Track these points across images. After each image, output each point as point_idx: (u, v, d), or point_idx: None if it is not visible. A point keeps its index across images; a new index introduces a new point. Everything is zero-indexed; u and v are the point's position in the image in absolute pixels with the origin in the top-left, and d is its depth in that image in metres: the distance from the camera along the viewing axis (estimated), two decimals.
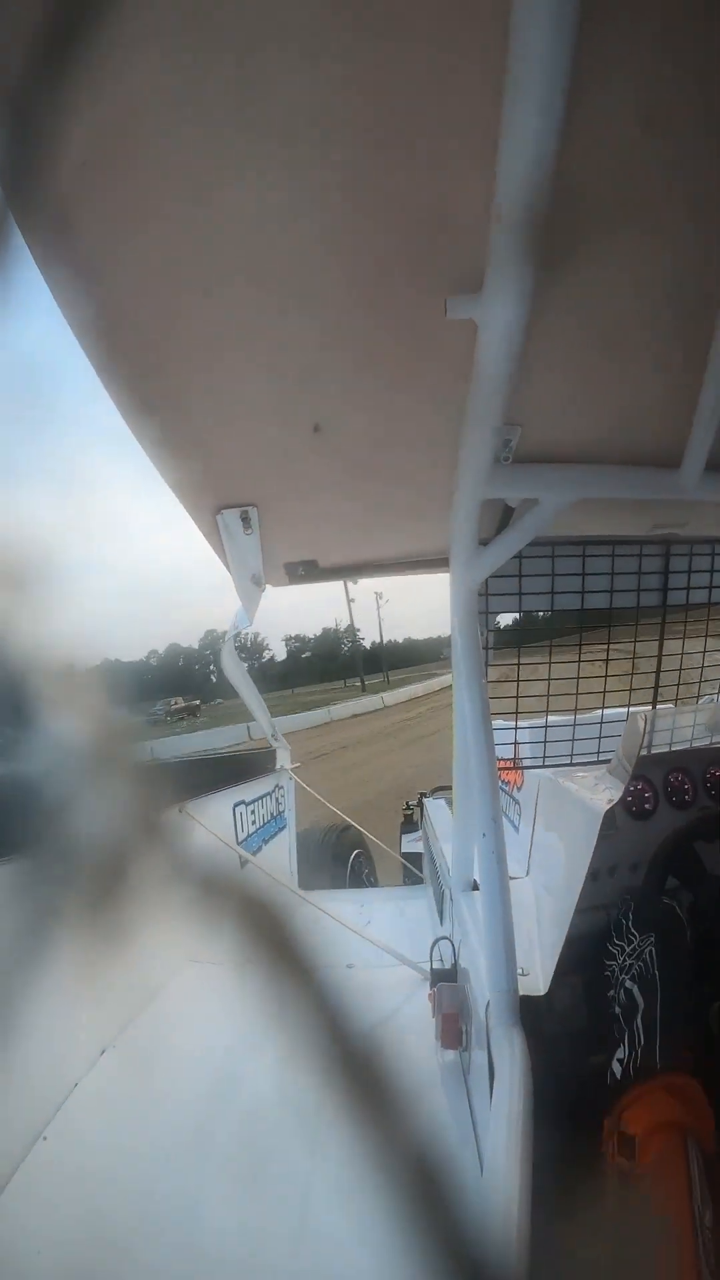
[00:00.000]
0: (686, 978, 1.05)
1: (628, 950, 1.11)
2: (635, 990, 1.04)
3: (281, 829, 3.03)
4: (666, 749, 1.60)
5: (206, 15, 0.53)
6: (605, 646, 1.76)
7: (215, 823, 2.26)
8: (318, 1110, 1.09)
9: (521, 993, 1.06)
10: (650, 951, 1.07)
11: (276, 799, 3.01)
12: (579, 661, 1.76)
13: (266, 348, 0.89)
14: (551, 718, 1.74)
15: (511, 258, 0.69)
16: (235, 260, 0.75)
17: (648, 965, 1.06)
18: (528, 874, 1.60)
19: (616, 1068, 1.00)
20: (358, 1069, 0.25)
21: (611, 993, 1.10)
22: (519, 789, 1.86)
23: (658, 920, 1.13)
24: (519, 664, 1.70)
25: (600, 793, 1.30)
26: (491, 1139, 0.87)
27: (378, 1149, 0.24)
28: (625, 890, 1.30)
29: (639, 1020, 1.00)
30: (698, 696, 1.82)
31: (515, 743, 1.79)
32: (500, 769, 1.59)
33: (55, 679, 0.24)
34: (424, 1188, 0.24)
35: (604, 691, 1.75)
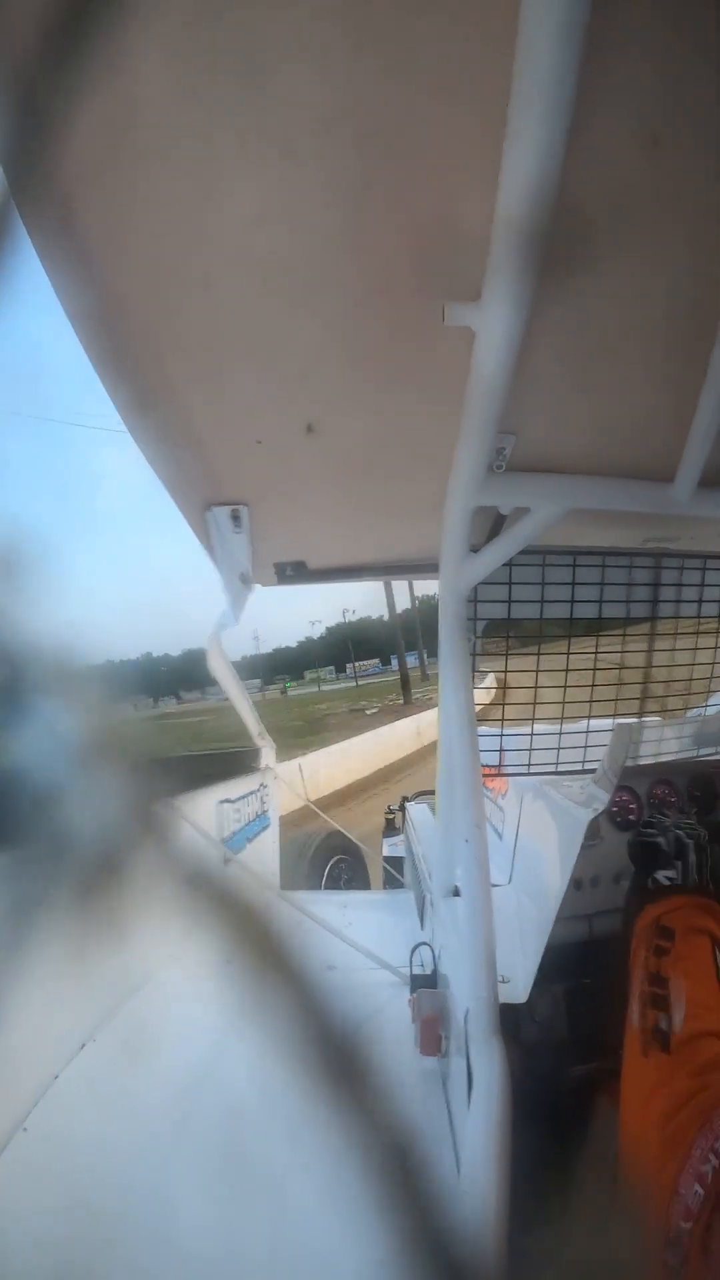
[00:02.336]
0: None
1: (683, 818, 1.20)
2: (689, 844, 1.13)
3: (265, 828, 3.02)
4: (652, 761, 1.61)
5: (214, 13, 0.53)
6: (593, 656, 1.76)
7: (200, 819, 2.25)
8: (298, 1106, 1.09)
9: (502, 1000, 1.06)
10: (703, 832, 1.16)
11: (261, 798, 3.00)
12: (566, 670, 1.76)
13: (263, 346, 0.89)
14: (537, 726, 1.74)
15: (511, 268, 0.69)
16: (235, 258, 0.75)
17: (699, 834, 1.15)
18: (510, 881, 1.60)
19: (663, 879, 1.10)
20: (338, 1066, 0.25)
21: (654, 830, 1.19)
22: (503, 796, 1.86)
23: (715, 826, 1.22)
24: (506, 671, 1.70)
25: (585, 802, 1.30)
26: (469, 1143, 0.87)
27: (356, 1145, 0.24)
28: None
29: (692, 856, 1.11)
30: (684, 709, 1.83)
31: (500, 750, 1.79)
32: (484, 776, 1.59)
33: (49, 670, 0.24)
34: (402, 1185, 0.24)
35: (591, 701, 1.76)
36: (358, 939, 1.93)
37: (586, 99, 0.57)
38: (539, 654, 1.76)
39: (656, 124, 0.63)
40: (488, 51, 0.56)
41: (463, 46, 0.57)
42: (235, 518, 1.32)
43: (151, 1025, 1.64)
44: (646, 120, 0.62)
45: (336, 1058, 0.25)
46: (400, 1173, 0.25)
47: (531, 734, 1.74)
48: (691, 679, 1.80)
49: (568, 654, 1.79)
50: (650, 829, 1.21)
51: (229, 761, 2.82)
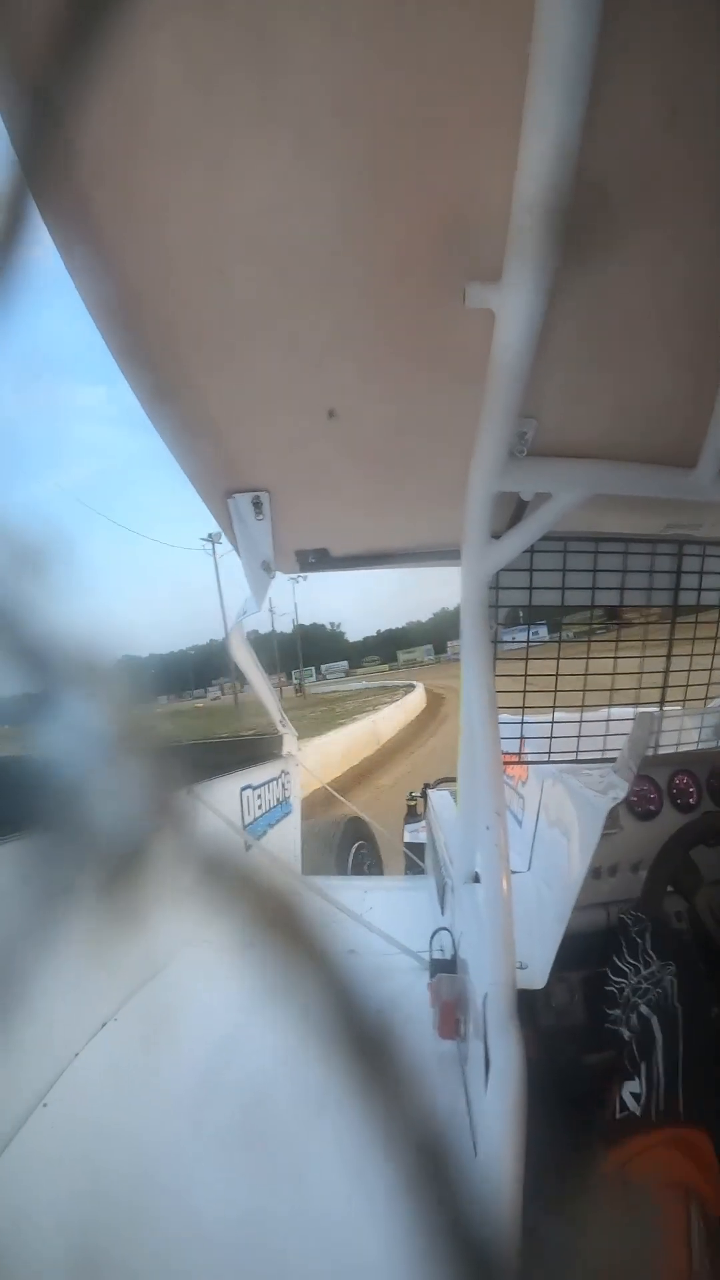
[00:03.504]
0: (710, 1020, 0.99)
1: (644, 974, 1.04)
2: (653, 1021, 0.97)
3: (287, 814, 3.04)
4: (673, 750, 1.60)
5: (224, 2, 0.53)
6: (615, 644, 1.75)
7: (223, 806, 2.28)
8: (317, 1087, 1.10)
9: (520, 986, 1.06)
10: (670, 981, 1.01)
11: (283, 784, 3.02)
12: (588, 658, 1.75)
13: (282, 333, 0.89)
14: (558, 714, 1.74)
15: (531, 248, 0.69)
16: (251, 244, 0.75)
17: (667, 995, 0.99)
18: (529, 869, 1.60)
19: (630, 1101, 0.93)
20: (361, 1048, 0.25)
21: (618, 1013, 1.05)
22: (523, 784, 1.86)
23: (680, 950, 1.07)
24: (527, 659, 1.69)
25: (604, 791, 1.30)
26: (486, 1125, 0.88)
27: (377, 1127, 0.25)
28: (632, 908, 1.23)
29: (659, 1056, 0.94)
30: (706, 699, 1.81)
31: (521, 737, 1.79)
32: (505, 763, 1.59)
33: (73, 660, 0.25)
34: (422, 1166, 0.25)
35: (612, 689, 1.75)
36: (379, 924, 1.95)
37: (604, 74, 0.56)
38: (560, 641, 1.75)
39: (675, 98, 0.62)
40: (503, 30, 0.55)
41: (478, 25, 0.56)
42: (257, 505, 1.33)
43: (173, 1006, 1.67)
44: (665, 94, 0.61)
45: (359, 1040, 0.26)
46: (420, 1154, 0.25)
47: (552, 722, 1.73)
48: (713, 669, 1.78)
49: (589, 641, 1.78)
50: (615, 1010, 1.05)
51: (251, 748, 2.84)
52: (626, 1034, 0.99)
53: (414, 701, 21.64)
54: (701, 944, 1.14)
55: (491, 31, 0.56)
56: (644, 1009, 0.99)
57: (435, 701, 22.45)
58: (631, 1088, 0.94)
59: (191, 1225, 1.04)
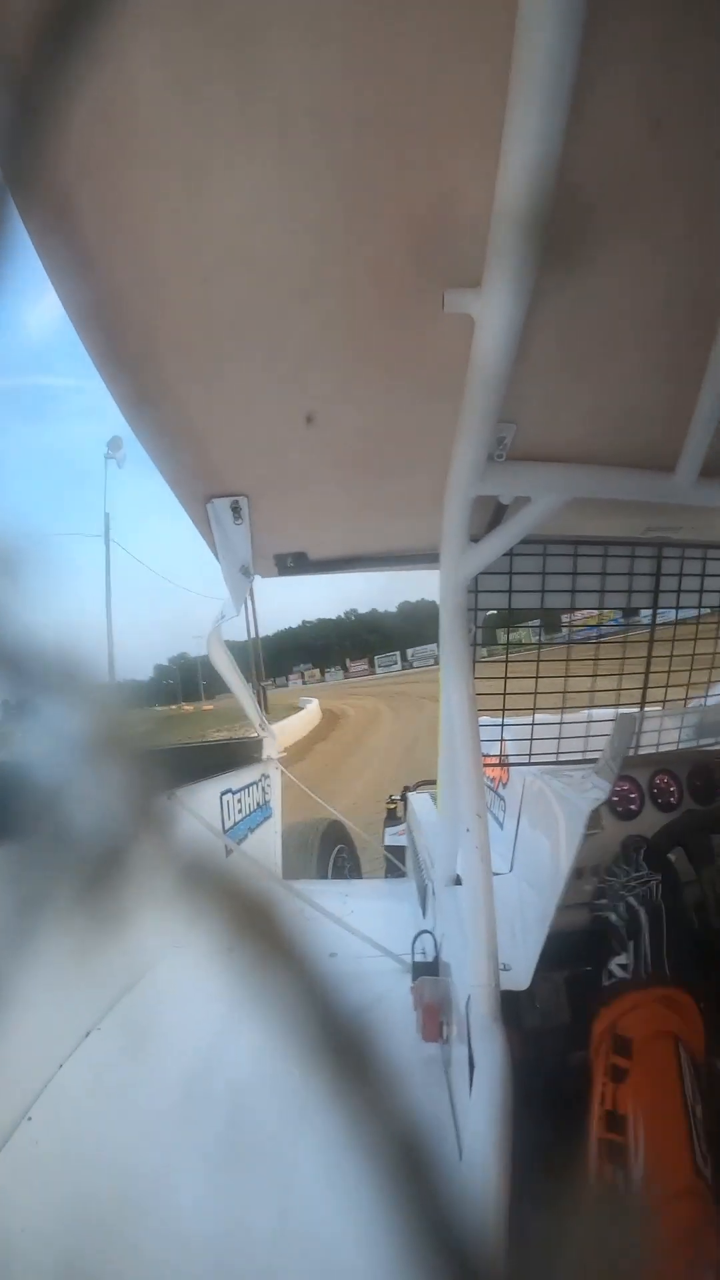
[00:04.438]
0: (688, 921, 1.09)
1: (634, 875, 1.14)
2: (640, 911, 1.06)
3: (267, 818, 3.03)
4: (654, 750, 1.61)
5: (208, 5, 0.53)
6: (595, 646, 1.76)
7: (203, 811, 2.26)
8: (301, 1092, 1.10)
9: (503, 988, 1.07)
10: (655, 885, 1.10)
11: (263, 788, 3.01)
12: (568, 660, 1.76)
13: (262, 338, 0.89)
14: (538, 716, 1.75)
15: (512, 255, 0.69)
16: (232, 250, 0.75)
17: (652, 893, 1.09)
18: (511, 870, 1.61)
19: (617, 970, 1.02)
20: (341, 1052, 0.25)
21: (606, 902, 1.14)
22: (504, 786, 1.86)
23: (667, 869, 1.17)
24: (507, 661, 1.70)
25: (586, 792, 1.31)
26: (471, 1127, 0.87)
27: (359, 1131, 0.25)
28: (636, 834, 1.34)
29: (645, 935, 1.03)
30: (685, 699, 1.83)
31: (501, 739, 1.79)
32: (485, 765, 1.59)
33: (50, 665, 0.24)
34: (405, 1170, 0.24)
35: (592, 691, 1.76)
36: (360, 927, 1.95)
37: (587, 83, 0.56)
38: (539, 644, 1.76)
39: (658, 108, 0.62)
40: (486, 36, 0.55)
41: (460, 34, 0.56)
42: (236, 509, 1.32)
43: (156, 1014, 1.66)
44: (647, 104, 0.62)
45: (340, 1044, 0.25)
46: (403, 1158, 0.25)
47: (533, 724, 1.74)
48: (692, 669, 1.80)
49: (568, 644, 1.79)
50: (602, 900, 1.15)
51: (231, 752, 2.83)
52: (614, 918, 1.08)
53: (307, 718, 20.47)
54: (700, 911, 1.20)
55: (474, 40, 0.56)
56: (631, 900, 1.08)
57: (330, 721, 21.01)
58: (619, 960, 1.03)
59: (179, 1237, 1.03)
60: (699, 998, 0.97)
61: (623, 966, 1.02)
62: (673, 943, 1.02)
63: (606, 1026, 0.97)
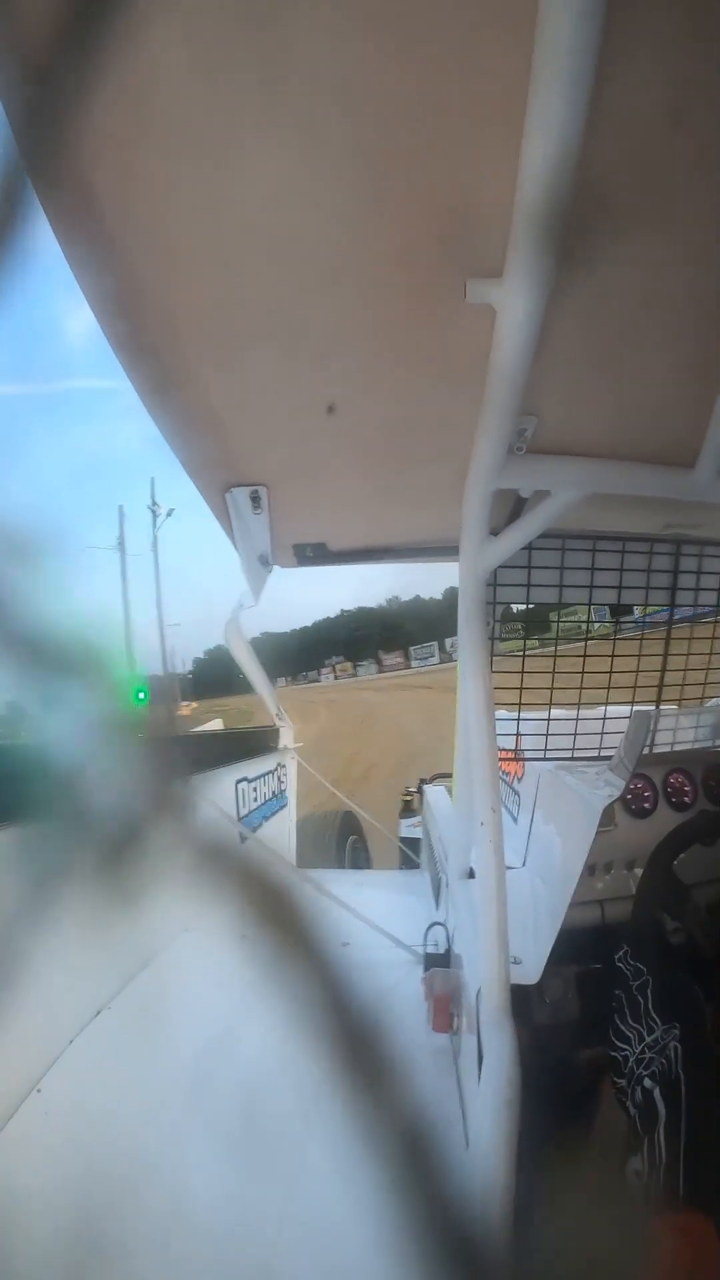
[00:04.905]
0: (716, 1087, 0.91)
1: (647, 1040, 0.97)
2: (656, 1094, 0.89)
3: (282, 807, 3.05)
4: (669, 749, 1.60)
5: None
6: (611, 642, 1.76)
7: (219, 798, 2.28)
8: (310, 1078, 1.11)
9: (514, 981, 1.07)
10: (674, 1048, 0.94)
11: (279, 777, 3.03)
12: (584, 656, 1.76)
13: (283, 326, 0.88)
14: (554, 712, 1.74)
15: (534, 245, 0.69)
16: (254, 236, 0.75)
17: (670, 1065, 0.92)
18: (524, 865, 1.61)
19: (631, 1177, 0.88)
20: (352, 1040, 0.25)
21: (624, 1084, 0.98)
22: (519, 780, 1.86)
23: (683, 1007, 1.00)
24: (524, 655, 1.70)
25: (600, 789, 1.31)
26: (478, 1117, 0.88)
27: (369, 1117, 0.25)
28: (628, 957, 1.13)
29: (660, 1132, 0.87)
30: (702, 699, 1.82)
31: (517, 734, 1.79)
32: (500, 760, 1.59)
33: (67, 651, 0.25)
34: (413, 1158, 0.25)
35: (608, 688, 1.75)
36: (373, 918, 1.96)
37: (607, 75, 0.56)
38: (557, 639, 1.75)
39: (680, 100, 0.61)
40: (507, 25, 0.55)
41: (482, 21, 0.56)
42: (255, 499, 1.33)
43: (168, 994, 1.68)
44: (669, 97, 0.61)
45: (350, 1034, 0.26)
46: (410, 1147, 0.25)
47: (549, 719, 1.74)
48: (709, 668, 1.79)
49: (586, 639, 1.78)
50: (620, 1079, 0.98)
51: (247, 741, 2.85)
52: (631, 1109, 0.95)
53: None
54: (696, 955, 1.11)
55: (496, 29, 0.56)
56: (647, 1082, 0.93)
57: None
58: (634, 1165, 0.89)
59: (185, 1212, 1.04)
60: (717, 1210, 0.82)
61: (637, 1174, 0.88)
62: (695, 1138, 0.86)
63: None
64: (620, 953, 1.11)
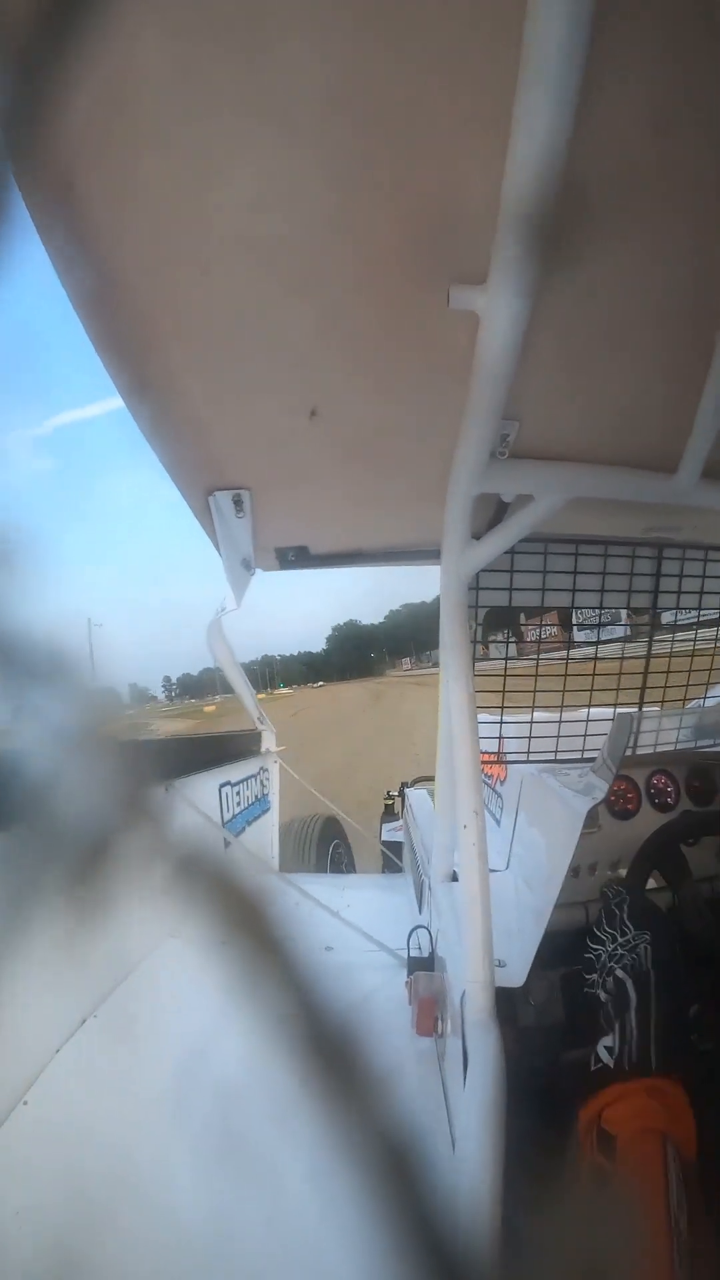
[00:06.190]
0: (681, 983, 1.02)
1: (619, 940, 1.07)
2: (627, 982, 1.00)
3: (265, 811, 3.04)
4: (651, 750, 1.61)
5: None
6: (594, 645, 1.77)
7: (201, 803, 2.27)
8: (293, 1087, 1.11)
9: (498, 984, 1.07)
10: (644, 948, 1.03)
11: (261, 781, 3.02)
12: (567, 659, 1.77)
13: (265, 330, 0.88)
14: (537, 714, 1.75)
15: (517, 251, 0.69)
16: (236, 240, 0.75)
17: (640, 960, 1.02)
18: (507, 867, 1.61)
19: (604, 1054, 0.96)
20: (331, 1049, 0.25)
21: (595, 976, 1.08)
22: (501, 783, 1.87)
23: (654, 920, 1.09)
24: (506, 659, 1.70)
25: (584, 791, 1.31)
26: (463, 1120, 0.88)
27: (350, 1125, 0.25)
28: (616, 881, 1.29)
29: (632, 1014, 0.97)
30: (684, 700, 1.83)
31: (500, 736, 1.80)
32: (483, 763, 1.59)
33: (42, 656, 0.24)
34: (395, 1164, 0.25)
35: (591, 690, 1.76)
36: (356, 921, 1.95)
37: (594, 82, 0.56)
38: (540, 642, 1.76)
39: (664, 107, 0.62)
40: (494, 31, 0.55)
41: (468, 26, 0.56)
42: (238, 503, 1.32)
43: (152, 1002, 1.66)
44: (654, 105, 0.62)
45: (328, 1042, 0.25)
46: (396, 1151, 0.25)
47: (531, 722, 1.74)
48: (691, 669, 1.80)
49: (568, 642, 1.79)
50: (591, 974, 1.08)
51: (229, 745, 2.83)
52: (603, 995, 1.03)
53: None
54: (683, 936, 1.14)
55: (483, 33, 0.56)
56: (619, 973, 1.02)
57: None
58: (606, 1043, 0.97)
59: (174, 1224, 1.03)
60: (689, 1082, 0.91)
61: (609, 1049, 0.96)
62: (663, 1019, 0.96)
63: (591, 1118, 0.91)
64: (608, 884, 1.22)
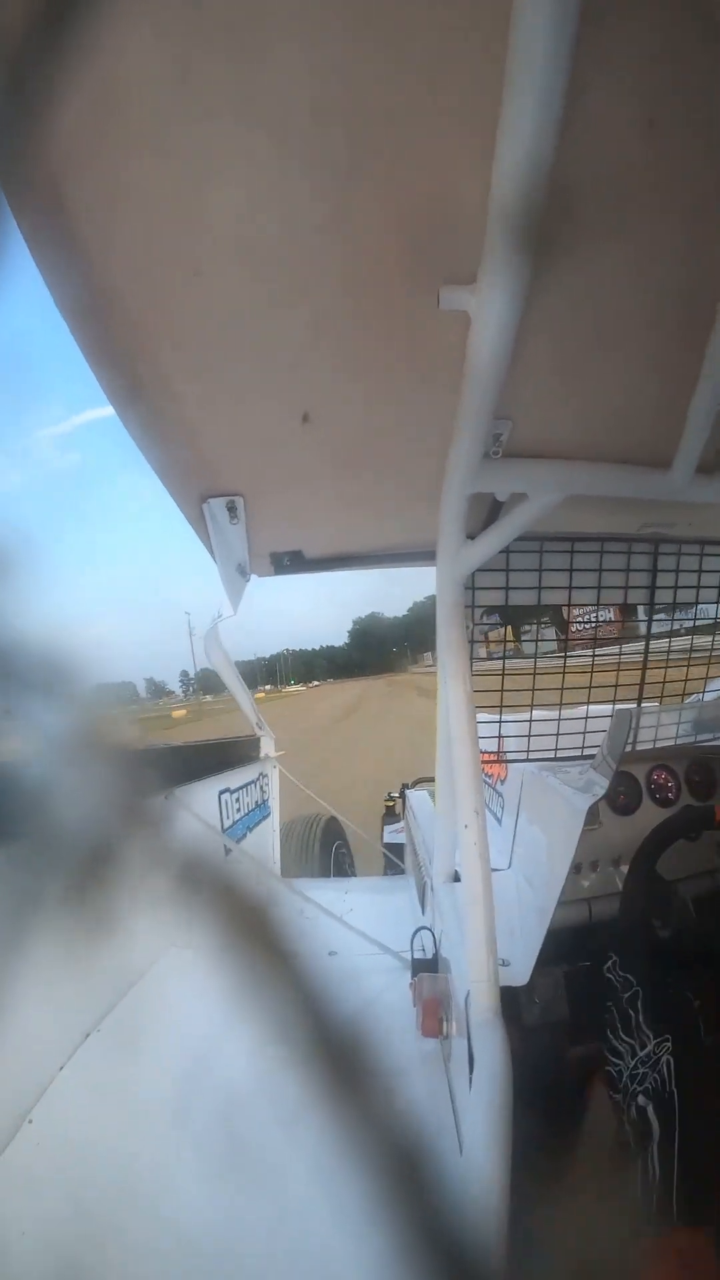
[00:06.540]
0: (710, 1098, 0.91)
1: (640, 1055, 0.97)
2: (650, 1111, 0.92)
3: (265, 817, 3.04)
4: (651, 746, 1.61)
5: None
6: (592, 642, 1.77)
7: (201, 810, 2.26)
8: (299, 1093, 1.11)
9: (503, 983, 1.07)
10: (667, 1062, 0.93)
11: (261, 787, 3.01)
12: (565, 656, 1.77)
13: (257, 334, 0.88)
14: (536, 712, 1.75)
15: (507, 251, 0.69)
16: (227, 246, 0.74)
17: (664, 1080, 0.93)
18: (509, 866, 1.61)
19: (628, 1195, 0.89)
20: (338, 1053, 0.25)
21: (620, 1099, 0.99)
22: (502, 782, 1.87)
23: (673, 1018, 0.99)
24: (505, 657, 1.70)
25: (584, 788, 1.31)
26: (470, 1122, 0.88)
27: (357, 1131, 0.24)
28: (621, 966, 1.13)
29: (655, 1150, 0.88)
30: (682, 695, 1.83)
31: (499, 736, 1.80)
32: (483, 762, 1.59)
33: (40, 665, 0.24)
34: (404, 1169, 0.24)
35: (590, 687, 1.76)
36: (359, 925, 1.95)
37: (582, 82, 0.56)
38: (538, 640, 1.76)
39: (653, 107, 0.62)
40: (482, 34, 0.55)
41: (456, 28, 0.56)
42: (231, 509, 1.32)
43: (155, 1014, 1.66)
44: (643, 103, 0.62)
45: (333, 1047, 0.25)
46: (405, 1154, 0.25)
47: (530, 720, 1.74)
48: (689, 664, 1.80)
49: (565, 640, 1.79)
50: (615, 1094, 0.98)
51: (229, 752, 2.83)
52: (626, 1126, 0.95)
53: None
54: (683, 953, 1.10)
55: (471, 35, 0.56)
56: (640, 1099, 0.94)
57: None
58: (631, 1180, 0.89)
59: (179, 1239, 1.03)
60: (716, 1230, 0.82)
61: (633, 1190, 0.89)
62: (687, 1155, 0.86)
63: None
64: (608, 963, 1.11)
